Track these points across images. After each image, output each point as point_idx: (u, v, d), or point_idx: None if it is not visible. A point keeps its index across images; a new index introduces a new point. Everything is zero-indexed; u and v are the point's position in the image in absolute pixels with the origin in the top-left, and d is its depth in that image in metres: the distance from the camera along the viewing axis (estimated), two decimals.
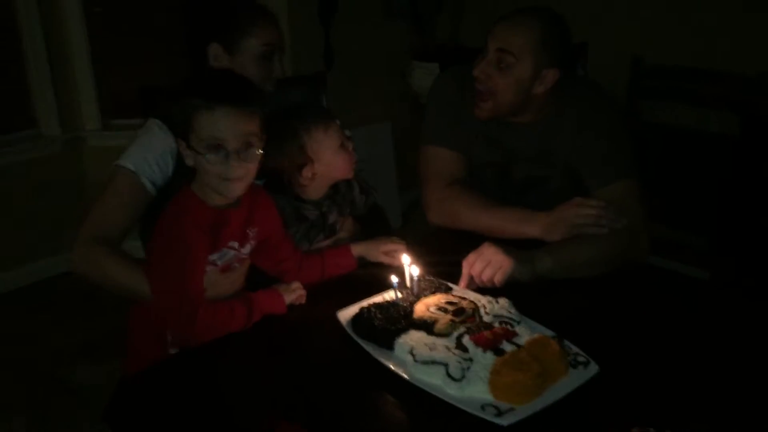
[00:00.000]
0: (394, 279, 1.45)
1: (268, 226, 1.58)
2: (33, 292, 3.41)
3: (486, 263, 1.51)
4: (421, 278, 1.50)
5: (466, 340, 1.29)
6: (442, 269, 1.58)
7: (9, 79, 3.31)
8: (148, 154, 1.63)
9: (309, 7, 3.35)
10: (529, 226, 1.71)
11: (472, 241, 1.72)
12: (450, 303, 1.42)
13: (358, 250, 1.69)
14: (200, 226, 1.41)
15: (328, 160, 1.70)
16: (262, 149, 1.43)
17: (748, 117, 2.78)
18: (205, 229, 1.42)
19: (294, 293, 1.52)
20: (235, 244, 1.49)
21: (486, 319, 1.38)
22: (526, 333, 1.32)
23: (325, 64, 3.43)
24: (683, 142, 3.09)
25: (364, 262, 1.70)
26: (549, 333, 1.34)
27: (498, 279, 1.51)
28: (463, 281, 1.53)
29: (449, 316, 1.37)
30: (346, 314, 1.43)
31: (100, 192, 1.65)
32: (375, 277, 1.58)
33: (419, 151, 1.97)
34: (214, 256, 1.45)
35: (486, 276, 1.51)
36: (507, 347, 1.27)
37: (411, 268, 1.48)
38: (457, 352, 1.26)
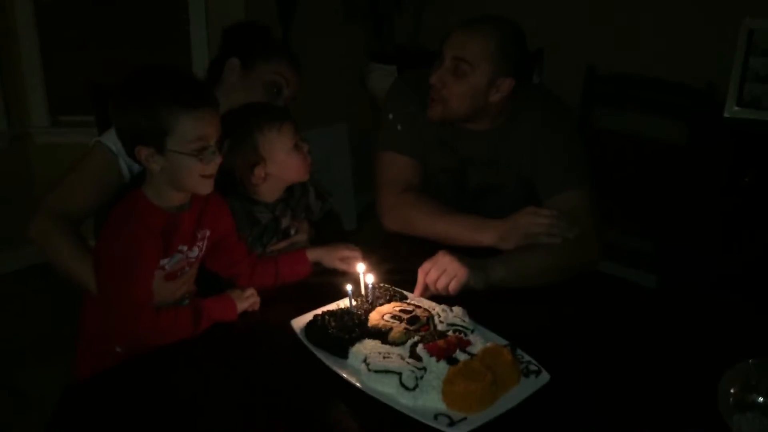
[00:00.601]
0: (348, 287, 1.44)
1: (220, 227, 1.56)
2: None
3: (441, 271, 1.52)
4: (375, 286, 1.50)
5: (420, 348, 1.29)
6: (397, 277, 1.59)
7: None
8: None
9: (267, 6, 3.31)
10: (484, 234, 1.73)
11: (426, 247, 1.74)
12: (404, 311, 1.42)
13: (313, 255, 1.68)
14: (152, 231, 1.38)
15: (280, 161, 1.68)
16: None
17: (695, 125, 2.86)
18: (157, 234, 1.39)
19: (247, 300, 1.50)
20: (184, 248, 1.47)
21: (440, 327, 1.38)
22: (479, 342, 1.33)
23: None
24: (633, 149, 3.17)
25: (319, 269, 1.69)
26: (502, 341, 1.36)
27: (453, 287, 1.52)
28: (418, 289, 1.54)
29: (404, 325, 1.37)
30: (299, 322, 1.42)
31: (69, 166, 1.61)
32: (329, 285, 1.57)
33: (375, 157, 1.97)
34: (164, 261, 1.43)
35: (441, 284, 1.52)
36: (460, 356, 1.28)
37: (366, 276, 1.48)
38: (410, 361, 1.26)
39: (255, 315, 1.51)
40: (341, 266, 1.66)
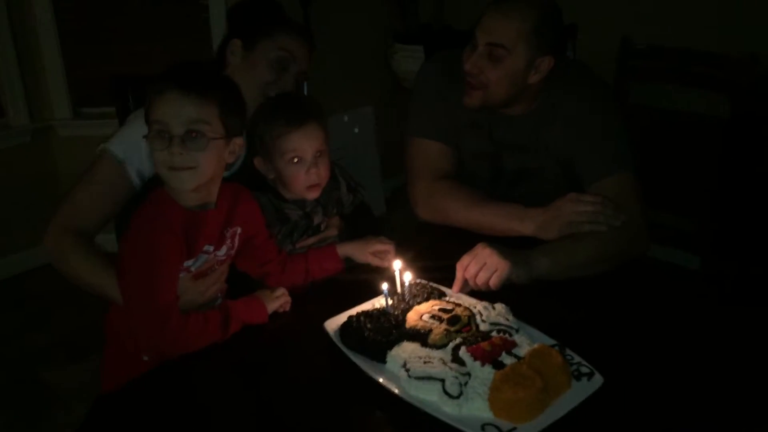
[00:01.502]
0: (384, 286, 1.36)
1: (251, 225, 1.49)
2: (4, 288, 3.28)
3: (481, 266, 1.43)
4: (412, 283, 1.42)
5: (463, 352, 1.21)
6: (435, 273, 1.50)
7: None
8: (142, 141, 1.51)
9: None
10: (523, 223, 1.63)
11: (462, 237, 1.66)
12: (444, 310, 1.34)
13: (344, 250, 1.61)
14: (173, 230, 1.32)
15: (280, 168, 1.58)
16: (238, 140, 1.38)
17: (738, 98, 2.72)
18: (179, 233, 1.32)
19: (277, 300, 1.43)
20: (210, 248, 1.40)
21: (482, 327, 1.30)
22: (525, 343, 1.25)
23: None
24: (672, 124, 3.03)
25: (351, 264, 1.61)
26: (549, 341, 1.27)
27: (494, 282, 1.43)
28: (457, 285, 1.45)
29: (444, 326, 1.29)
30: (333, 324, 1.34)
31: (77, 178, 1.55)
32: (363, 282, 1.50)
33: (405, 143, 1.88)
34: (189, 262, 1.36)
35: (481, 279, 1.43)
36: (506, 360, 1.20)
37: (403, 273, 1.40)
38: (453, 366, 1.18)
39: (286, 316, 1.45)
40: (374, 261, 1.59)
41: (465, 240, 1.55)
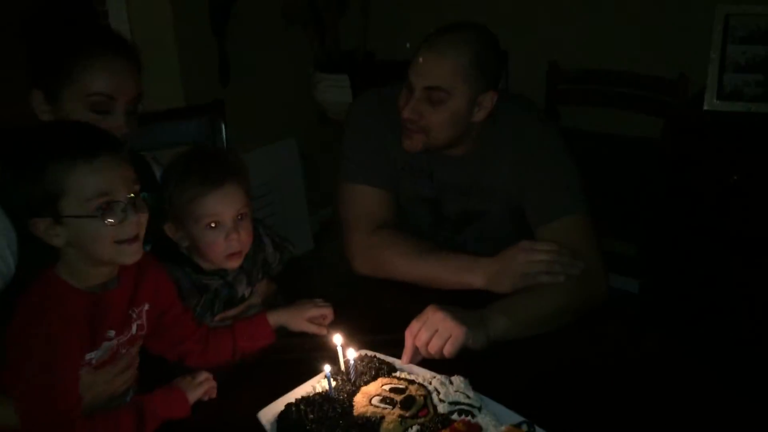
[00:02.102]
0: (326, 368, 1.18)
1: (162, 299, 1.28)
2: None
3: (432, 332, 1.27)
4: (356, 359, 1.24)
5: None
6: (378, 337, 1.34)
7: None
8: None
9: (198, 16, 3.00)
10: (472, 275, 1.49)
11: (401, 289, 1.53)
12: (396, 390, 1.17)
13: (276, 319, 1.41)
14: (71, 319, 1.10)
15: (195, 236, 1.36)
16: None
17: (671, 118, 2.69)
18: (79, 322, 1.11)
19: (200, 387, 1.23)
20: (112, 333, 1.18)
21: (440, 408, 1.14)
22: (490, 425, 1.10)
23: (221, 78, 3.10)
24: (605, 147, 2.98)
25: (285, 332, 1.43)
26: (516, 419, 1.12)
27: (448, 350, 1.27)
28: (406, 355, 1.28)
29: (397, 410, 1.12)
30: (269, 413, 1.15)
31: None
32: (301, 356, 1.32)
33: (339, 190, 1.71)
34: (90, 355, 1.14)
35: (434, 348, 1.27)
36: None
37: (346, 350, 1.23)
38: None
39: (213, 405, 1.24)
40: (311, 329, 1.41)
41: (402, 291, 1.42)
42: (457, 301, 1.37)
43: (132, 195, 1.12)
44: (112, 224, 1.09)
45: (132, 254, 1.14)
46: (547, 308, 1.40)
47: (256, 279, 1.48)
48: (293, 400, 1.16)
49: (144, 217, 1.14)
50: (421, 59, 1.53)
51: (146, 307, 1.24)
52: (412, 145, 1.59)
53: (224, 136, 1.88)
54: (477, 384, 1.20)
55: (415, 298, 1.38)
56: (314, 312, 1.42)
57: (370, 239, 1.61)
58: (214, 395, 1.25)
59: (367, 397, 1.16)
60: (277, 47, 3.28)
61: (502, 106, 1.62)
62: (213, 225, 1.34)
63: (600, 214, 2.76)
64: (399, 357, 1.29)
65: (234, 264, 1.39)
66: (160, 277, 1.28)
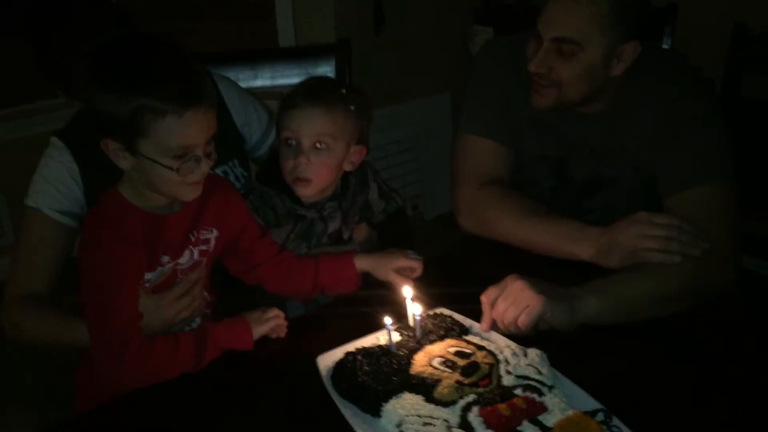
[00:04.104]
0: (387, 320, 1.11)
1: (231, 225, 1.28)
2: None
3: (509, 302, 1.14)
4: (426, 316, 1.16)
5: (474, 415, 0.96)
6: (467, 304, 1.22)
7: None
8: (47, 184, 1.36)
9: None
10: (578, 245, 1.33)
11: (510, 256, 1.39)
12: (461, 354, 1.07)
13: (363, 264, 1.36)
14: (128, 236, 1.12)
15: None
16: None
17: None
18: (136, 241, 1.13)
19: (267, 324, 1.20)
20: (166, 259, 1.19)
21: (505, 380, 1.03)
22: (557, 407, 0.97)
23: (375, 27, 3.06)
24: None
25: (370, 281, 1.37)
26: (592, 406, 0.99)
27: (522, 321, 1.13)
28: (486, 322, 1.17)
29: (456, 376, 1.03)
30: (328, 359, 1.11)
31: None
32: (378, 305, 1.24)
33: (455, 140, 1.61)
34: (148, 275, 1.16)
35: (508, 318, 1.14)
36: (527, 430, 0.93)
37: (413, 304, 1.14)
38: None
39: (278, 343, 1.21)
40: (396, 279, 1.33)
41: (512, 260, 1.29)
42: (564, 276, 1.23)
43: (207, 143, 1.11)
44: (182, 172, 1.10)
45: (191, 193, 1.16)
46: (651, 291, 1.21)
47: (353, 220, 1.44)
48: (353, 350, 1.11)
49: (211, 163, 1.14)
50: (551, 6, 1.37)
51: (214, 233, 1.24)
52: (542, 102, 1.44)
53: (347, 76, 1.84)
54: (556, 361, 1.07)
55: (517, 269, 1.23)
56: (402, 262, 1.34)
57: (478, 194, 1.50)
58: (282, 334, 1.22)
59: (429, 357, 1.07)
60: None
61: (650, 60, 1.42)
62: (290, 143, 1.34)
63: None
64: (477, 320, 1.19)
65: (301, 191, 1.37)
66: (230, 201, 1.28)
